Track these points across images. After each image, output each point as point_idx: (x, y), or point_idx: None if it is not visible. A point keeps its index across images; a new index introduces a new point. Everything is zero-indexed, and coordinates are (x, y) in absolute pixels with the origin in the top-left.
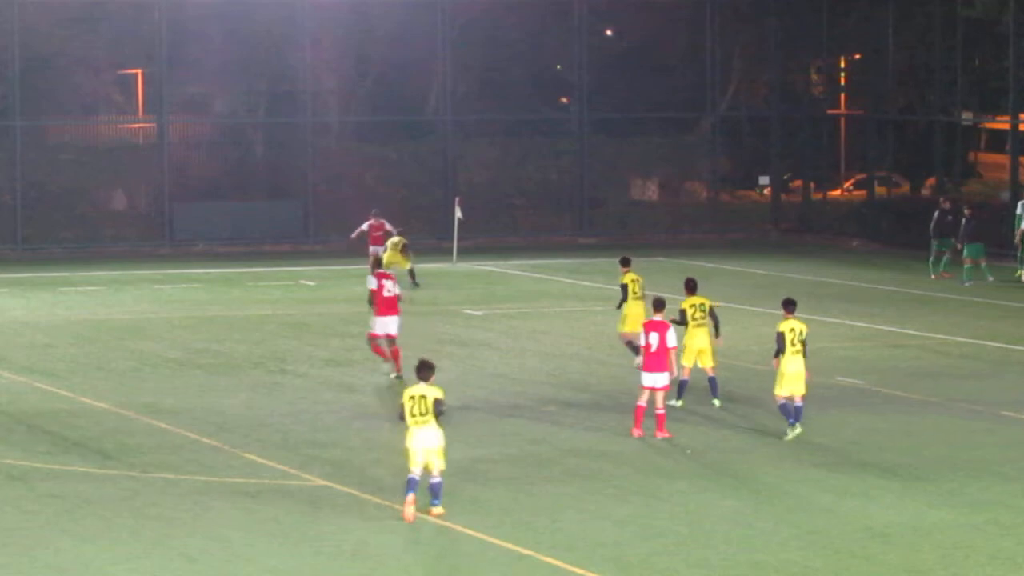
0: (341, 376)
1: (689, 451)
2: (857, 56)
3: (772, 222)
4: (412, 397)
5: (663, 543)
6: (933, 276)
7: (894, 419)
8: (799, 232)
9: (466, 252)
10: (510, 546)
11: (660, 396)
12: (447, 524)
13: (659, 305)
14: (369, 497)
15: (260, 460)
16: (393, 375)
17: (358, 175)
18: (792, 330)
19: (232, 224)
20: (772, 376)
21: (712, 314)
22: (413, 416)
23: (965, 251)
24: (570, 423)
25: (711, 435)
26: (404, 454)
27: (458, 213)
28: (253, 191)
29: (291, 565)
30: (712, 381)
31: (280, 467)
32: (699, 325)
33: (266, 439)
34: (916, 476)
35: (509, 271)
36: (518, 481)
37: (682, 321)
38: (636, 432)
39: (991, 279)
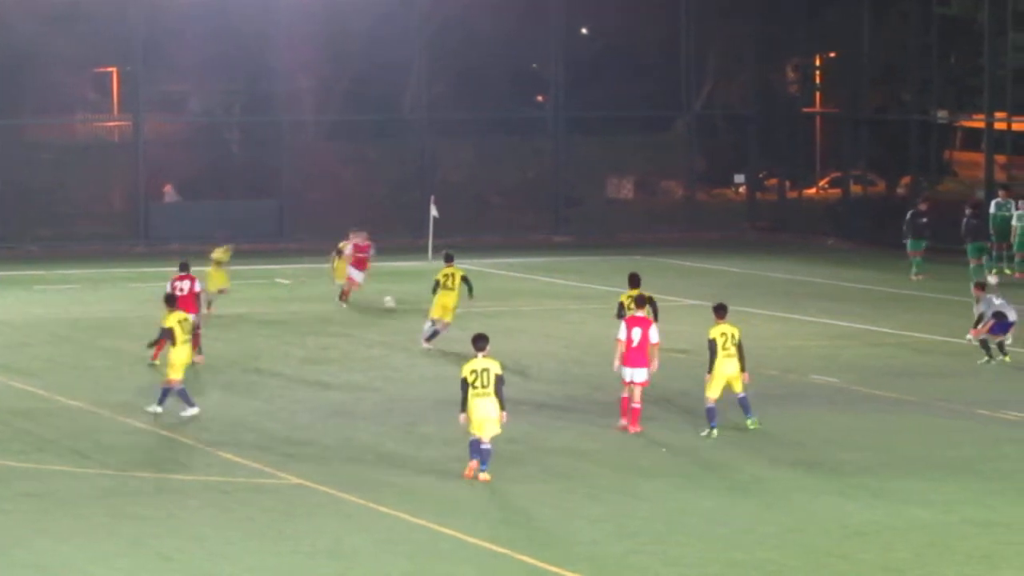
0: (317, 374)
1: (664, 449)
2: (833, 54)
3: (748, 220)
4: (475, 371)
5: (639, 541)
6: (913, 277)
7: (870, 418)
8: (775, 230)
9: (442, 250)
10: (486, 544)
11: (638, 391)
12: (422, 522)
13: (641, 302)
14: (345, 495)
15: (236, 459)
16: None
17: (334, 174)
18: (723, 334)
19: (208, 222)
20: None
21: (740, 345)
22: (475, 388)
23: (969, 251)
24: (546, 422)
25: (689, 434)
26: (466, 422)
27: (433, 211)
28: (229, 190)
29: (267, 564)
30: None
31: (256, 465)
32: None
33: (242, 438)
34: (892, 475)
35: (485, 269)
36: (494, 479)
37: (619, 314)
38: (622, 423)
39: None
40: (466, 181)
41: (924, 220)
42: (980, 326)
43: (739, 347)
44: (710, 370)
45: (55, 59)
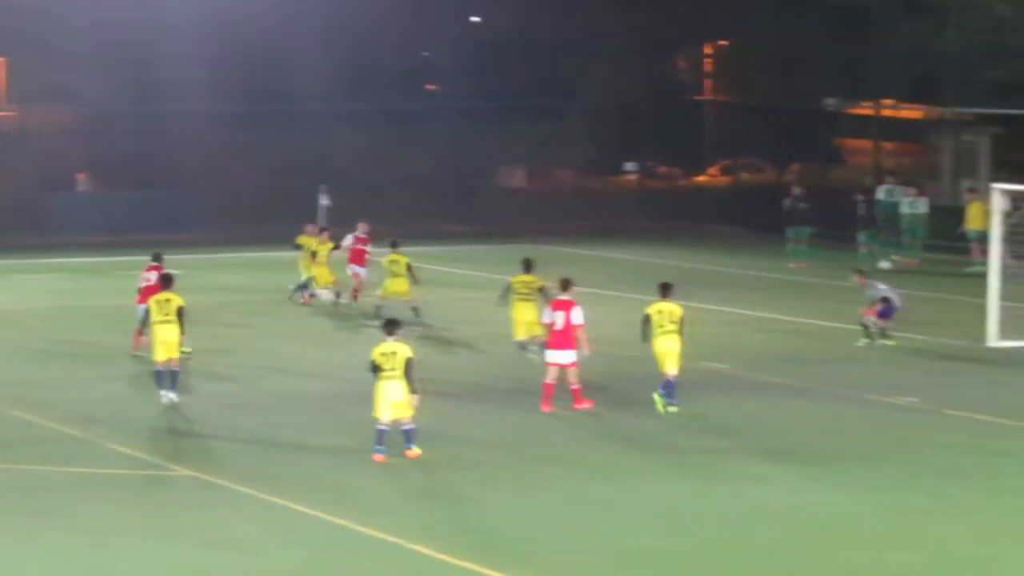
0: (210, 366)
1: (555, 437)
2: (723, 43)
3: (638, 208)
4: (384, 353)
5: (532, 529)
6: (792, 265)
7: (761, 404)
8: (665, 218)
9: (335, 240)
10: (380, 534)
11: (571, 372)
12: (318, 513)
13: (565, 285)
14: (240, 487)
15: (129, 451)
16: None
17: (226, 164)
18: (660, 312)
19: (99, 213)
20: (640, 361)
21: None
22: (384, 371)
23: (861, 238)
24: (441, 410)
25: (583, 422)
26: (373, 406)
27: (323, 200)
28: (121, 180)
29: (162, 556)
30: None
31: (150, 458)
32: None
33: (135, 430)
34: (784, 460)
35: (379, 259)
36: (389, 469)
37: (502, 296)
38: (545, 407)
39: (887, 264)
40: (358, 170)
41: (803, 206)
42: (869, 307)
43: (680, 324)
44: (643, 340)
45: None
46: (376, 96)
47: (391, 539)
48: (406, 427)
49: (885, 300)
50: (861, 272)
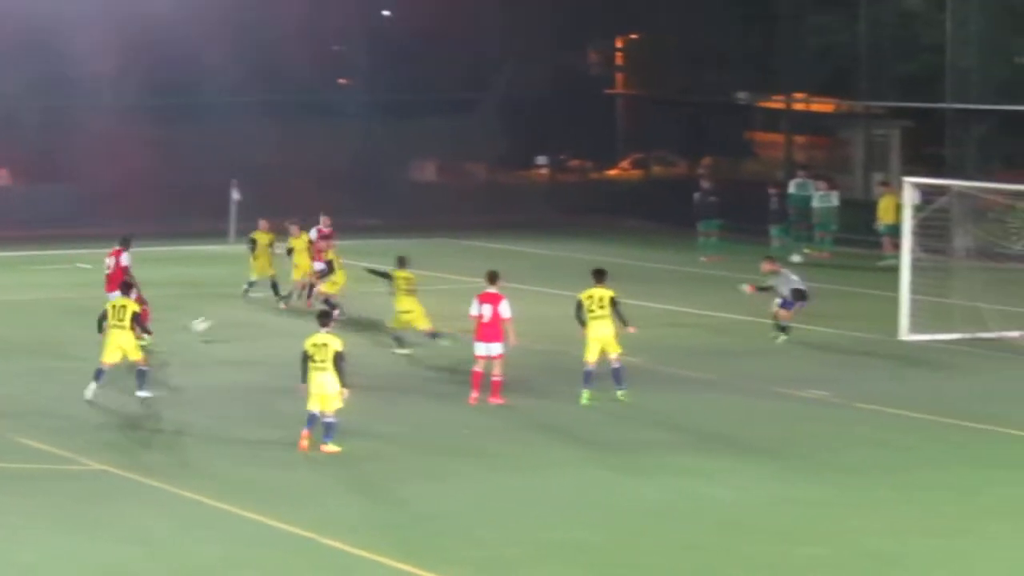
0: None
1: (467, 430)
2: (635, 36)
3: (550, 202)
4: (315, 344)
5: (446, 523)
6: (703, 259)
7: (673, 397)
8: (576, 212)
9: (245, 234)
10: (290, 528)
11: (497, 364)
12: (228, 507)
13: (492, 278)
14: (150, 481)
15: (38, 445)
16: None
17: (134, 158)
18: (590, 297)
19: (5, 207)
20: (552, 356)
21: (616, 305)
22: (315, 362)
23: (772, 232)
24: (354, 404)
25: (496, 415)
26: (306, 395)
27: (235, 195)
28: (27, 174)
29: (71, 550)
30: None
31: (59, 452)
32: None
33: (44, 424)
34: (695, 453)
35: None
36: (297, 463)
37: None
38: (473, 397)
39: (798, 258)
40: (271, 164)
41: (712, 199)
42: (779, 302)
43: (615, 308)
44: (581, 325)
45: None
46: (287, 89)
47: (306, 534)
48: (327, 420)
49: (796, 291)
50: (772, 258)
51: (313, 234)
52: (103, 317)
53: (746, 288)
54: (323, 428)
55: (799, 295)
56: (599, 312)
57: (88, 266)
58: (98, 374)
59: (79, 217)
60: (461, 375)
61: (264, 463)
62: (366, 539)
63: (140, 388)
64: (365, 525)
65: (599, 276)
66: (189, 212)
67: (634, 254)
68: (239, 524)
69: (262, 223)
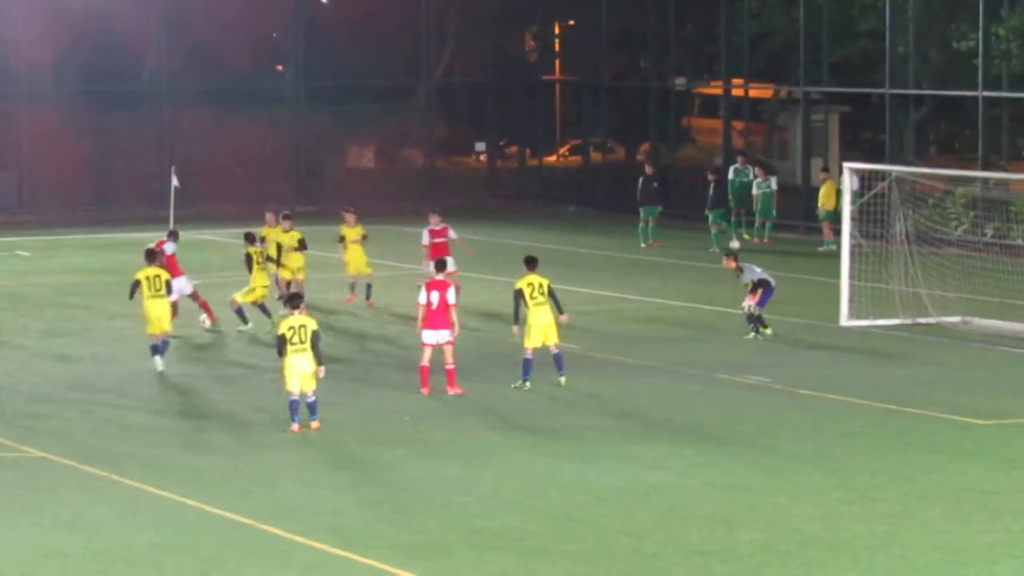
0: (58, 347)
1: (408, 418)
2: (571, 22)
3: (488, 188)
4: (292, 327)
5: (382, 511)
6: (643, 245)
7: (610, 383)
8: (515, 198)
9: (184, 221)
10: (229, 515)
11: (448, 351)
12: (166, 494)
13: (440, 265)
14: (88, 468)
15: None
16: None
17: (73, 145)
18: (530, 284)
19: None
20: (489, 341)
21: (552, 293)
22: (292, 344)
23: (710, 218)
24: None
25: (431, 402)
26: (282, 378)
27: (174, 182)
28: None
29: (8, 537)
30: (557, 358)
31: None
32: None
33: None
34: (633, 439)
35: (226, 240)
36: (237, 450)
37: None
38: (424, 391)
39: (737, 244)
40: (207, 151)
41: (655, 185)
42: (750, 294)
43: (551, 295)
44: (515, 320)
45: None
46: (223, 76)
47: (241, 519)
48: (310, 399)
49: (762, 283)
50: (732, 256)
51: (425, 238)
52: (135, 287)
53: (727, 263)
54: (307, 408)
55: (765, 284)
56: (540, 299)
57: (27, 254)
58: (158, 348)
59: (17, 204)
60: (407, 362)
61: (200, 450)
62: (303, 526)
63: (157, 356)
64: (302, 512)
65: (531, 264)
66: (128, 199)
67: (571, 240)
68: (177, 510)
69: (348, 216)
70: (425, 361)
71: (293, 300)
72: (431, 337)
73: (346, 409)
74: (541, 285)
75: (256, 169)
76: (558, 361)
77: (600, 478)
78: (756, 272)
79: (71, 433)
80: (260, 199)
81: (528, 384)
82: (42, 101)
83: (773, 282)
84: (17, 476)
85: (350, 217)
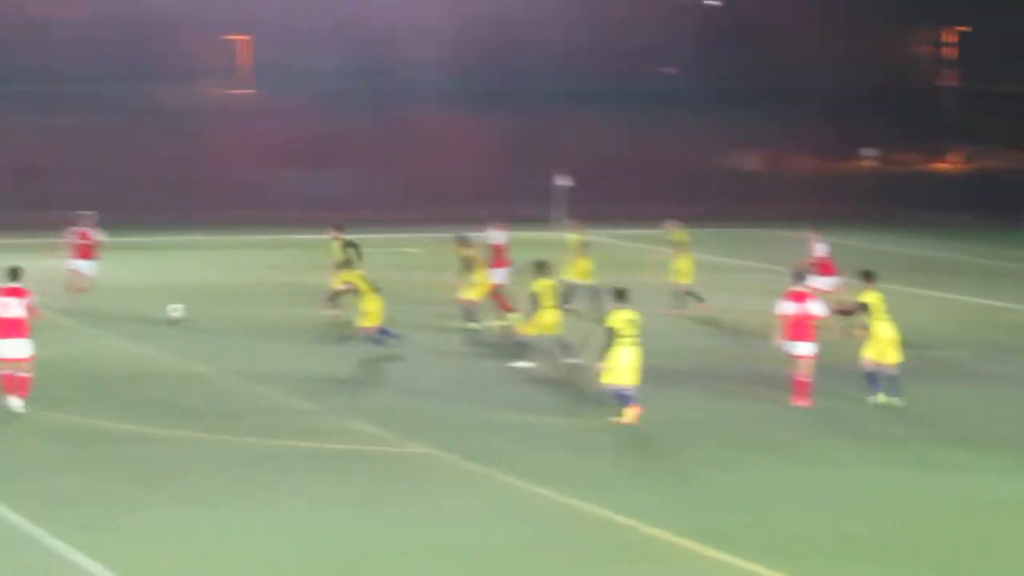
0: (448, 344)
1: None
2: (965, 29)
3: (873, 195)
4: (626, 320)
5: (746, 512)
6: None
7: (981, 393)
8: (903, 205)
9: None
10: (608, 514)
11: (806, 365)
12: (537, 490)
13: (800, 274)
14: (470, 465)
15: (365, 427)
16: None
17: (455, 147)
18: (878, 299)
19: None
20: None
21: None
22: (624, 337)
23: None
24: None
25: (779, 411)
26: (607, 372)
27: (563, 182)
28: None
29: (396, 532)
30: (893, 378)
31: (384, 434)
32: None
33: (367, 406)
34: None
35: (613, 240)
36: (617, 451)
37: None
38: (802, 401)
39: None
40: (590, 154)
41: None
42: None
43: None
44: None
45: None
46: (608, 78)
47: (626, 522)
48: (627, 393)
49: None
50: None
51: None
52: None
53: None
54: (619, 400)
55: None
56: (881, 316)
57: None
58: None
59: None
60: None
61: (572, 448)
62: (664, 523)
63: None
64: (661, 509)
65: (870, 277)
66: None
67: (966, 248)
68: (547, 507)
69: (673, 224)
70: (801, 376)
71: (622, 293)
72: (797, 348)
73: (702, 411)
74: (882, 300)
75: (638, 171)
76: (893, 381)
77: (944, 488)
78: None
79: (454, 429)
80: (648, 201)
81: (881, 397)
82: (428, 100)
83: None
84: (398, 471)
85: (674, 224)
